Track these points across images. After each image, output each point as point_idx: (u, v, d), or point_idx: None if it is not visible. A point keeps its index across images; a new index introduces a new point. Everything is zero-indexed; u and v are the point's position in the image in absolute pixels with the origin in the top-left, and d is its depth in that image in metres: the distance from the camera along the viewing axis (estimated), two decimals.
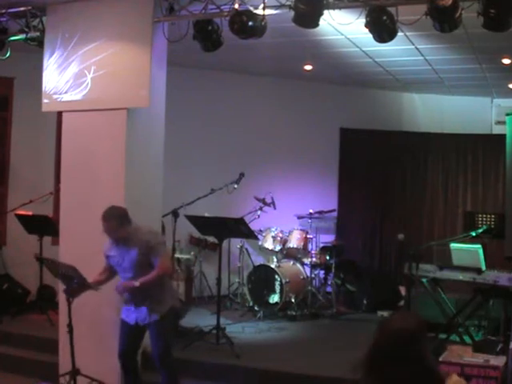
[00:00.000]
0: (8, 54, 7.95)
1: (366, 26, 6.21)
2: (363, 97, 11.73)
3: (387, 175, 11.80)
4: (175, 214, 8.51)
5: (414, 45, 8.68)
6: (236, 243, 10.36)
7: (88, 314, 7.07)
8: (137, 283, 5.90)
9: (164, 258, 6.16)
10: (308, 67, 10.57)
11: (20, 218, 9.30)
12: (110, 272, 6.29)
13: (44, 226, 9.08)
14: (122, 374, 6.36)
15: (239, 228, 7.91)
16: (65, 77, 7.43)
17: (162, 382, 6.24)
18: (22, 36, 7.79)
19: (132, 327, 6.14)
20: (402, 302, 9.65)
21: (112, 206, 6.10)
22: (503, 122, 10.37)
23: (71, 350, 6.33)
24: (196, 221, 8.17)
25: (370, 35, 6.38)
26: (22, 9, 7.60)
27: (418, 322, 3.14)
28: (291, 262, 9.94)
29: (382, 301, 10.16)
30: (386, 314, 9.77)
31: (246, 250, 10.51)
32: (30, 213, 9.33)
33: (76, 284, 6.11)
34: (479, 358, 6.20)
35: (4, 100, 10.64)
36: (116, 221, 6.00)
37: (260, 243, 10.13)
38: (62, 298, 7.54)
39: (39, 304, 9.44)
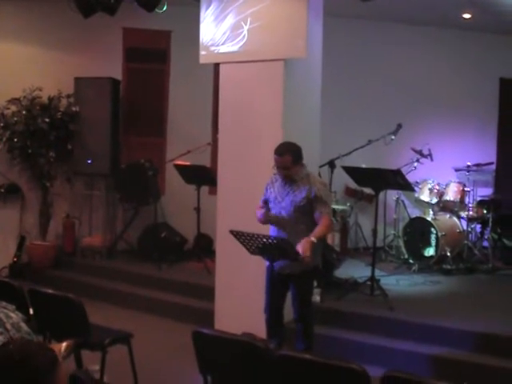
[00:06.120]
0: (165, 8, 8.08)
1: None
2: None
3: None
4: (332, 164, 8.50)
5: None
6: (392, 195, 10.25)
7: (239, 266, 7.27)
8: (314, 239, 5.68)
9: (330, 215, 6.02)
10: (467, 15, 10.22)
11: (178, 168, 9.54)
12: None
13: (202, 176, 9.26)
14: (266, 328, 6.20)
15: (396, 179, 7.78)
16: (221, 29, 7.48)
17: (296, 333, 6.18)
18: None
19: (276, 274, 5.98)
20: None
21: (287, 142, 6.06)
22: None
23: None
24: (353, 172, 8.10)
25: None
26: None
27: None
28: (447, 215, 9.74)
29: None
30: None
31: (402, 202, 10.40)
32: (188, 163, 9.55)
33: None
34: None
35: (162, 53, 10.89)
36: (291, 156, 5.89)
37: (416, 195, 9.93)
38: (218, 246, 7.75)
39: (196, 252, 9.71)
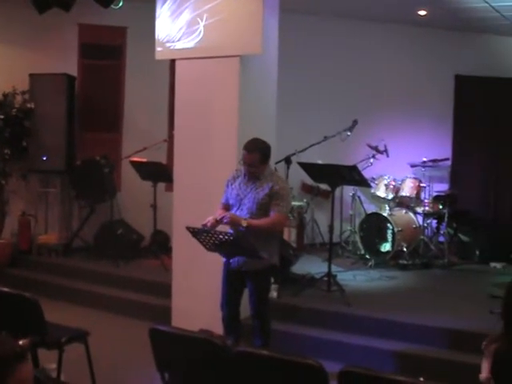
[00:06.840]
0: (121, 4, 8.02)
1: None
2: (479, 43, 11.30)
3: (503, 123, 11.38)
4: (288, 161, 8.51)
5: None
6: (348, 191, 10.34)
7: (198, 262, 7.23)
8: (244, 223, 5.69)
9: (284, 215, 5.96)
10: (422, 12, 10.30)
11: (134, 164, 9.49)
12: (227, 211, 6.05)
13: (158, 172, 9.23)
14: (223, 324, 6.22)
15: (352, 175, 7.81)
16: (177, 24, 7.46)
17: (253, 329, 6.13)
18: None
19: (232, 271, 6.00)
20: None
21: (257, 138, 5.96)
22: None
23: None
24: (309, 168, 8.09)
25: None
26: None
27: None
28: (403, 211, 9.81)
29: (495, 252, 9.92)
30: (498, 265, 9.61)
31: (359, 197, 10.47)
32: (144, 160, 9.51)
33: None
34: None
35: (117, 49, 10.82)
36: (259, 155, 5.83)
37: (372, 191, 10.01)
38: (175, 243, 7.72)
39: (153, 249, 9.67)
